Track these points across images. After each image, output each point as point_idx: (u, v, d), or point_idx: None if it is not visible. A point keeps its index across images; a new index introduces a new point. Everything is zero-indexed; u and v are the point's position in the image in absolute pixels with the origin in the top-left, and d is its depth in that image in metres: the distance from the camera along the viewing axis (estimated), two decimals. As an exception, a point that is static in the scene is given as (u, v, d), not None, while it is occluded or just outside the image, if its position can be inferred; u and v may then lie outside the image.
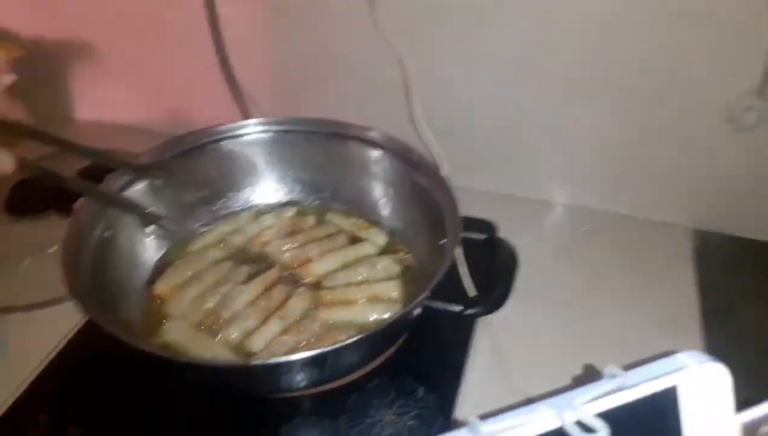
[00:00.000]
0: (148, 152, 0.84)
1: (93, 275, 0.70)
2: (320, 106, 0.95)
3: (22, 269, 0.90)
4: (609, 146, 0.91)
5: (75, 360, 0.76)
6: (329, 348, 0.62)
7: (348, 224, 0.90)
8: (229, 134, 0.89)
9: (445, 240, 0.74)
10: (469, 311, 0.65)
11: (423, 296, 0.64)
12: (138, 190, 0.83)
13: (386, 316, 0.75)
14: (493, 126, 0.94)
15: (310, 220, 0.91)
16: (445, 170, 0.83)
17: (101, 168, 0.83)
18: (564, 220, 0.97)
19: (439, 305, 0.65)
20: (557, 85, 0.87)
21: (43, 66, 1.14)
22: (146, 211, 0.80)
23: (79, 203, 0.75)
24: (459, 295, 0.76)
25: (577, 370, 0.72)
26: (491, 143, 0.96)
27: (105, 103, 1.23)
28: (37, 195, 0.99)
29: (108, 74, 1.18)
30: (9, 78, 1.03)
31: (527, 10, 0.82)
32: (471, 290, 0.77)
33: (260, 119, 0.90)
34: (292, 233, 0.89)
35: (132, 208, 0.80)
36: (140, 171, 0.83)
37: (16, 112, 1.16)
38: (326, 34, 0.96)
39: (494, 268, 0.70)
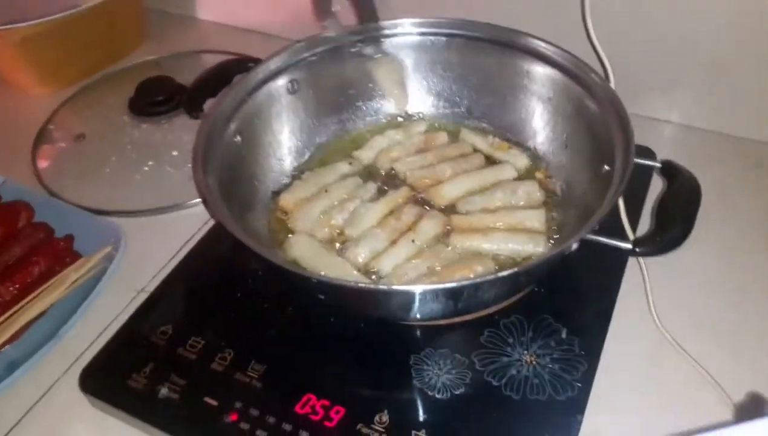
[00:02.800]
0: (287, 50, 0.78)
1: (221, 181, 0.66)
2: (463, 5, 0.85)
3: (144, 172, 0.89)
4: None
5: (197, 268, 0.74)
6: (472, 281, 0.56)
7: (485, 143, 0.81)
8: (374, 34, 0.81)
9: (607, 168, 0.65)
10: (641, 249, 0.56)
11: (586, 229, 0.55)
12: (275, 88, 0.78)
13: (528, 247, 0.68)
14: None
15: (442, 136, 0.83)
16: (612, 85, 0.72)
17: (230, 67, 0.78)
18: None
19: (602, 240, 0.56)
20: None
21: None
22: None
23: (212, 105, 0.71)
24: (618, 229, 0.67)
25: (749, 342, 0.63)
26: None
27: (225, 5, 1.18)
28: (162, 95, 0.95)
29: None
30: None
31: None
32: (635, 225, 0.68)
33: (412, 20, 0.81)
34: (422, 150, 0.82)
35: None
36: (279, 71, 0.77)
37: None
38: None
39: (670, 201, 0.60)
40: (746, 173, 0.82)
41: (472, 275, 0.65)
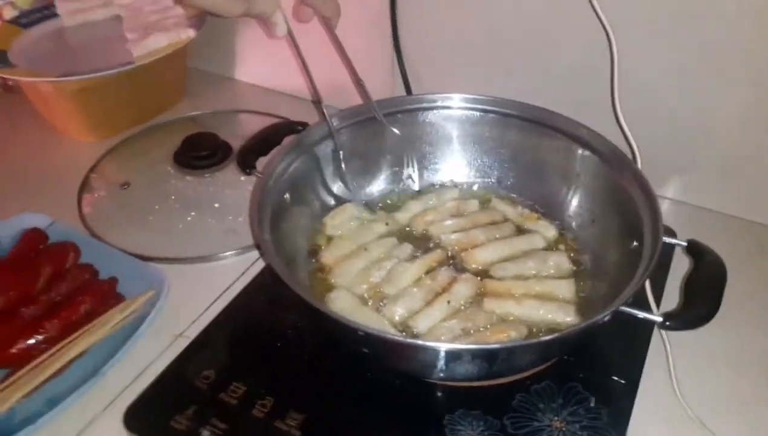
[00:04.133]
0: (334, 117, 0.83)
1: (271, 235, 0.70)
2: (493, 83, 0.91)
3: (186, 222, 0.92)
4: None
5: (239, 317, 0.77)
6: (511, 344, 0.60)
7: (514, 213, 0.85)
8: (419, 106, 0.87)
9: (636, 244, 0.68)
10: (671, 323, 0.59)
11: (620, 301, 0.59)
12: (322, 151, 0.84)
13: (559, 316, 0.71)
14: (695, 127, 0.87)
15: (474, 204, 0.87)
16: (639, 164, 0.77)
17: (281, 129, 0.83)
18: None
19: (634, 312, 0.59)
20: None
21: (214, 25, 1.16)
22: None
23: (266, 164, 0.76)
24: (642, 302, 0.70)
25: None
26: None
27: (263, 68, 1.25)
28: (206, 150, 1.00)
29: (271, 40, 1.19)
30: (190, 32, 1.06)
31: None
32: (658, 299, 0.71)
33: (447, 95, 0.88)
34: (454, 215, 0.86)
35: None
36: (326, 136, 0.83)
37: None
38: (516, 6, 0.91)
39: (697, 279, 0.63)
40: (761, 255, 0.85)
41: (507, 339, 0.67)
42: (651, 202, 0.68)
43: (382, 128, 0.85)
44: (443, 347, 0.59)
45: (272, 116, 1.13)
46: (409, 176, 0.89)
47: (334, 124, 0.82)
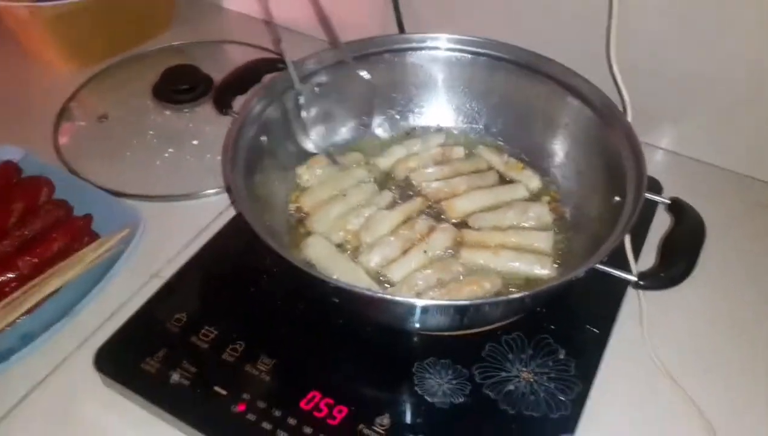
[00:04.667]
0: (315, 56, 0.80)
1: (245, 176, 0.68)
2: (489, 24, 0.87)
3: (164, 158, 0.90)
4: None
5: (214, 260, 0.76)
6: (481, 301, 0.59)
7: (500, 161, 0.83)
8: (407, 46, 0.84)
9: (618, 199, 0.67)
10: (645, 283, 0.58)
11: (595, 259, 0.58)
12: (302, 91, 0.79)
13: (535, 268, 0.70)
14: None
15: (459, 151, 0.85)
16: (629, 118, 0.74)
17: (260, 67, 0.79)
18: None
19: (609, 270, 0.59)
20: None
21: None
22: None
23: (242, 104, 0.73)
24: (620, 259, 0.69)
25: (738, 377, 0.66)
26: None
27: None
28: (187, 84, 0.97)
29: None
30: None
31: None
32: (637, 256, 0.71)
33: (438, 35, 0.84)
34: (438, 162, 0.84)
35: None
36: (307, 75, 0.79)
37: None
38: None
39: (675, 239, 0.62)
40: (748, 212, 0.84)
41: (480, 291, 0.67)
42: (637, 159, 0.66)
43: (368, 67, 0.82)
44: (412, 302, 0.59)
45: (259, 49, 1.09)
46: (380, 126, 0.86)
47: (310, 66, 0.79)
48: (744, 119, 0.85)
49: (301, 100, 0.76)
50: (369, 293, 0.59)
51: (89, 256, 0.75)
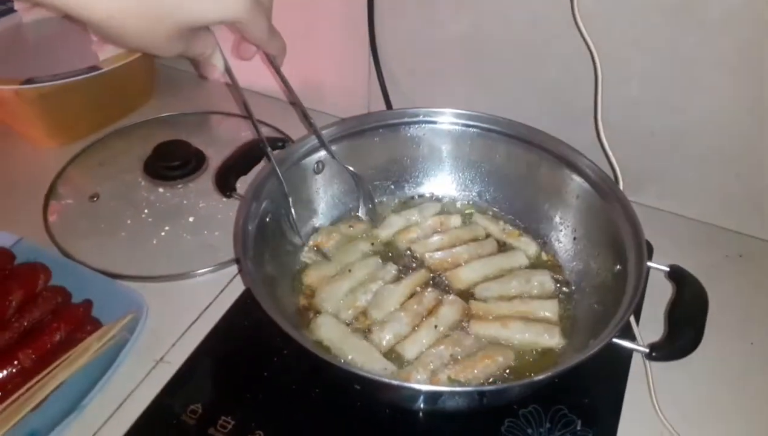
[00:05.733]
0: (313, 134, 0.81)
1: (254, 257, 0.68)
2: (474, 97, 0.90)
3: (160, 237, 0.90)
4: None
5: (223, 343, 0.76)
6: (494, 387, 0.61)
7: (497, 229, 0.86)
8: (393, 121, 0.86)
9: (619, 267, 0.70)
10: (657, 354, 0.60)
11: (608, 335, 0.60)
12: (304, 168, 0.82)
13: (544, 338, 0.72)
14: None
15: (456, 219, 0.87)
16: (621, 184, 0.78)
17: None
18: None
19: (621, 343, 0.61)
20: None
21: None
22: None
23: (248, 187, 0.74)
24: (627, 331, 0.71)
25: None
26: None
27: (233, 66, 1.20)
28: (178, 159, 0.97)
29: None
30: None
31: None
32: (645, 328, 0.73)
33: (427, 109, 0.87)
34: (437, 231, 0.86)
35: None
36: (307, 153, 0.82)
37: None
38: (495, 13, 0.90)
39: (680, 309, 0.65)
40: (729, 264, 0.88)
41: (494, 365, 0.68)
42: (635, 231, 0.69)
43: (365, 143, 0.84)
44: (434, 390, 0.60)
45: (243, 118, 1.10)
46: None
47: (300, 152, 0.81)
48: (720, 175, 0.89)
49: (291, 202, 0.77)
50: (387, 380, 0.60)
51: (93, 346, 0.73)
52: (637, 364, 0.74)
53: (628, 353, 0.74)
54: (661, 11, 0.79)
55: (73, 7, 0.47)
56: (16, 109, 1.01)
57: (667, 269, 0.70)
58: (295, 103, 0.77)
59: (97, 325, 0.76)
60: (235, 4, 0.51)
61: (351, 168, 0.82)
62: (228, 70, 0.63)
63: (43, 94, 0.97)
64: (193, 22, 0.51)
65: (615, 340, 0.61)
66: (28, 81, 0.92)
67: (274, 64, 0.66)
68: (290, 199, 0.76)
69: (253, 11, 0.53)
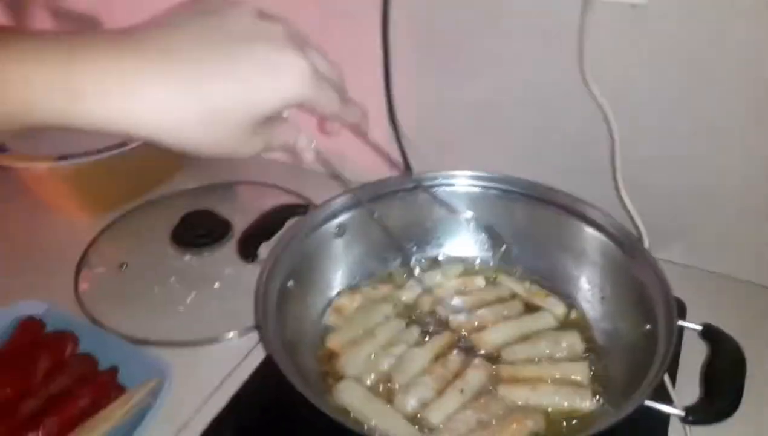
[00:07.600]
0: (335, 198, 0.83)
1: (276, 321, 0.68)
2: (492, 161, 0.91)
3: (186, 304, 0.90)
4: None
5: (246, 411, 0.75)
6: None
7: (522, 289, 0.85)
8: (419, 184, 0.86)
9: (649, 327, 0.68)
10: (694, 418, 0.58)
11: (641, 397, 0.58)
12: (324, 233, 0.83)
13: (575, 402, 0.69)
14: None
15: (480, 280, 0.87)
16: (646, 243, 0.77)
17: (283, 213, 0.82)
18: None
19: (655, 406, 0.58)
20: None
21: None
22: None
23: (269, 252, 0.74)
24: (662, 393, 0.69)
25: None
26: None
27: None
28: (205, 229, 1.00)
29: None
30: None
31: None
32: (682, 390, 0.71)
33: (447, 172, 0.87)
34: (461, 292, 0.85)
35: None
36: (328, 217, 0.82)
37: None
38: (513, 81, 0.91)
39: (716, 369, 0.63)
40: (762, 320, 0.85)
41: (523, 430, 0.66)
42: (664, 290, 0.67)
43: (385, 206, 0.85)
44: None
45: (270, 187, 1.13)
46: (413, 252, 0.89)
47: (340, 204, 0.82)
48: (746, 229, 0.88)
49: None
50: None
51: (117, 412, 0.73)
52: (676, 430, 0.71)
53: (665, 417, 0.71)
54: (677, 65, 0.79)
55: (123, 128, 0.44)
56: (49, 184, 1.05)
57: (700, 327, 0.67)
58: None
59: (121, 391, 0.76)
60: (293, 83, 0.48)
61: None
62: (316, 151, 0.60)
63: (76, 169, 1.00)
64: (256, 115, 0.49)
65: (648, 403, 0.59)
66: (62, 158, 0.96)
67: (359, 131, 0.64)
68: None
69: (315, 86, 0.50)
